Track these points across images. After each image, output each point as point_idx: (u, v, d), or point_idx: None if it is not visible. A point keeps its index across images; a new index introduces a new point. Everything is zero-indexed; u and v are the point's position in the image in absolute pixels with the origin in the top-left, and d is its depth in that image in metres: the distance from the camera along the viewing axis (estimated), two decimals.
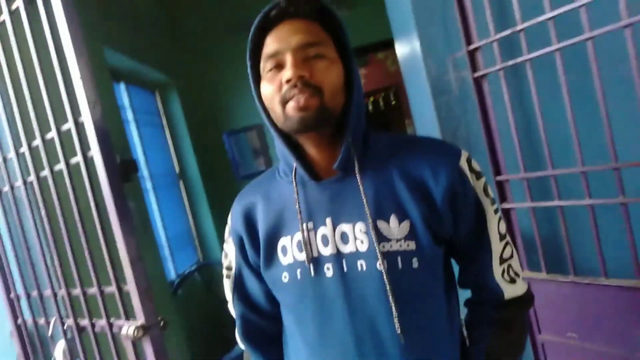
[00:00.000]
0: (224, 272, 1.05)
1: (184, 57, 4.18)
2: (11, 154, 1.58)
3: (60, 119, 1.36)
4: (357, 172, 0.84)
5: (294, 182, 0.89)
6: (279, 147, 0.90)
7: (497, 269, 0.88)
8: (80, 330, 1.51)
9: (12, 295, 1.79)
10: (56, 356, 1.58)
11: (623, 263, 1.32)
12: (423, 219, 0.82)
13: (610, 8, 1.19)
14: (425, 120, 1.95)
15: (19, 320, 1.80)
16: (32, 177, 1.51)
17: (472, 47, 1.55)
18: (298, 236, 0.88)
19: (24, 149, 1.50)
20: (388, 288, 0.80)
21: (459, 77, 1.70)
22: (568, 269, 1.45)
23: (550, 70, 1.35)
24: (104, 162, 1.25)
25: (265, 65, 0.84)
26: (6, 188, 1.66)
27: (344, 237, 0.84)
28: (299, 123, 0.80)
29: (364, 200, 0.83)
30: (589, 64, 1.25)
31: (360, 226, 0.83)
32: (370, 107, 6.40)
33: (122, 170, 1.28)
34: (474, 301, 0.96)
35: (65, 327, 1.57)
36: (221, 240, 3.35)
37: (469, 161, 0.87)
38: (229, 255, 1.03)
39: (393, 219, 0.83)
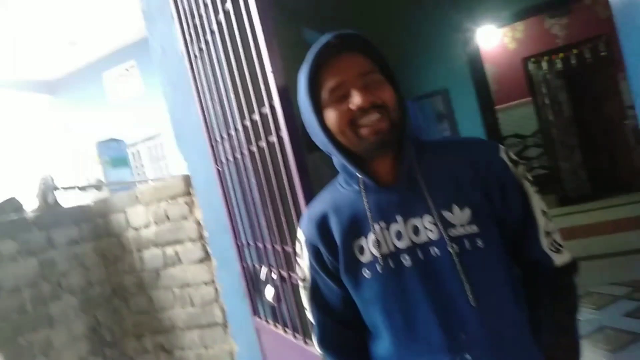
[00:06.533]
0: (300, 284, 1.10)
1: (370, 24, 4.04)
2: (239, 127, 1.75)
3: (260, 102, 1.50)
4: (418, 174, 0.92)
5: (362, 190, 0.95)
6: (340, 163, 0.96)
7: (543, 241, 0.94)
8: (282, 279, 1.66)
9: (239, 243, 2.06)
10: (267, 297, 1.77)
11: None
12: (480, 204, 0.90)
13: None
14: None
15: (244, 263, 2.06)
16: (253, 147, 1.67)
17: None
18: (372, 236, 0.93)
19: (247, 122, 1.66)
20: (459, 267, 0.87)
21: None
22: None
23: None
24: (290, 139, 1.38)
25: (329, 96, 0.90)
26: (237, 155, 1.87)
27: (415, 230, 0.91)
28: (375, 144, 0.88)
29: (427, 197, 0.90)
30: None
31: (428, 218, 0.90)
32: (573, 61, 5.49)
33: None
34: (530, 273, 0.99)
35: (273, 275, 1.73)
36: None
37: (506, 152, 0.95)
38: (303, 267, 1.07)
39: (455, 208, 0.90)
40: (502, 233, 0.93)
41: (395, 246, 0.92)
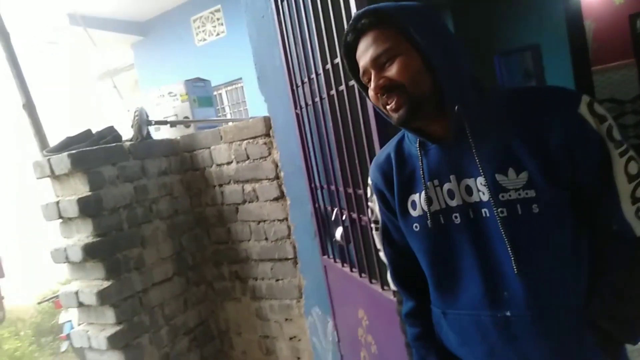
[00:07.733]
0: (372, 225, 1.16)
1: None
2: (320, 71, 1.81)
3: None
4: (469, 135, 0.88)
5: (418, 149, 0.97)
6: None
7: (627, 209, 0.85)
8: (352, 221, 1.73)
9: (313, 185, 2.15)
10: (336, 237, 1.86)
11: None
12: (540, 168, 0.84)
13: None
14: None
15: (316, 205, 2.16)
16: (332, 91, 1.70)
17: None
18: (424, 193, 0.96)
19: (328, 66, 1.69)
20: (503, 232, 0.86)
21: None
22: None
23: None
24: None
25: (363, 80, 0.96)
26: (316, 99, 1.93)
27: (468, 190, 0.91)
28: (398, 120, 0.91)
29: (476, 159, 0.87)
30: None
31: (480, 180, 0.89)
32: None
33: None
34: (604, 240, 0.91)
35: (343, 217, 1.81)
36: None
37: (590, 106, 0.84)
38: (374, 210, 1.13)
39: (511, 171, 0.86)
40: (573, 197, 0.87)
41: (446, 204, 0.94)
